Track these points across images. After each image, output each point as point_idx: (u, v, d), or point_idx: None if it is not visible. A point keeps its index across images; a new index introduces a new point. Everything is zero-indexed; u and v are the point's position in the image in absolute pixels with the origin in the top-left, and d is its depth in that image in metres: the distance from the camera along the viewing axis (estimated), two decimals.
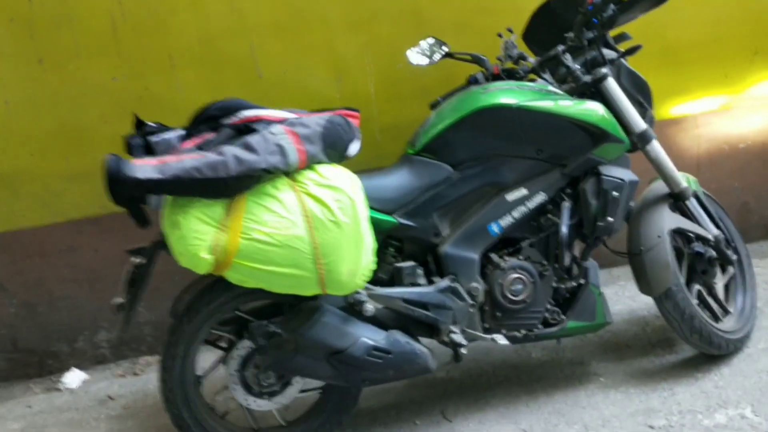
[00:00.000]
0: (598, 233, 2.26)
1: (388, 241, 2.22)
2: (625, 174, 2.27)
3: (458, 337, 2.17)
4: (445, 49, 2.55)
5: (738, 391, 2.27)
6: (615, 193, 2.24)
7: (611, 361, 2.56)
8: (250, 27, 2.84)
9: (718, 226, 2.45)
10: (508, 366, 2.62)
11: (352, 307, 2.07)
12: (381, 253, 2.22)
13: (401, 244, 2.24)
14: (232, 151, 1.73)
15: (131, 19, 2.77)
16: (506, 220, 2.23)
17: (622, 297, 2.50)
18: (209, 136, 1.90)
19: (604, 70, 2.29)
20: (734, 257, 2.49)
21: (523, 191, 2.24)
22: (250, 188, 1.76)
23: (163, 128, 1.99)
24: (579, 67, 2.32)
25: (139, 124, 2.01)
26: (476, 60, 2.52)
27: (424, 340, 2.21)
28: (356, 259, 1.85)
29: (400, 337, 2.12)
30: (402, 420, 2.41)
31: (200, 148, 1.84)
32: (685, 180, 2.45)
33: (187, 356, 2.14)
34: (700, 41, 3.11)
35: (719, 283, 2.56)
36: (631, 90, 2.37)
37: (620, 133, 2.23)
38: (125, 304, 2.05)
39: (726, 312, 2.54)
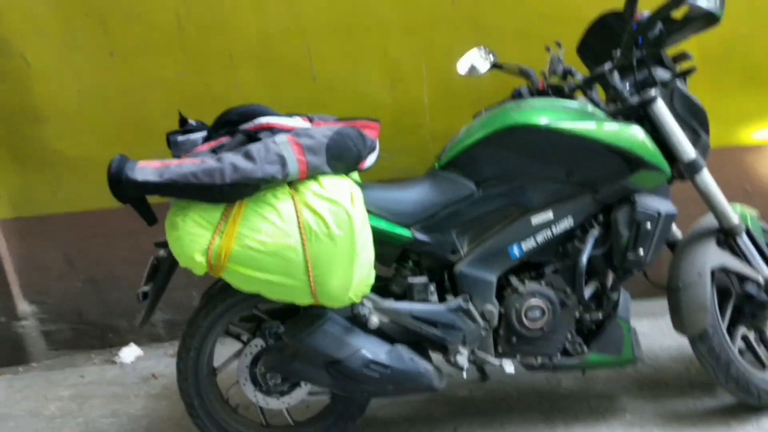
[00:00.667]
0: (627, 265, 2.13)
1: (406, 254, 2.20)
2: (663, 205, 2.12)
3: (462, 359, 2.12)
4: (492, 59, 2.47)
5: None
6: (648, 225, 2.09)
7: (644, 399, 2.41)
8: (306, 28, 2.88)
9: None
10: (533, 392, 2.53)
11: (357, 318, 2.07)
12: (398, 266, 2.23)
13: (419, 259, 2.21)
14: (230, 158, 1.76)
15: (195, 17, 2.88)
16: (528, 244, 2.14)
17: (672, 331, 2.34)
18: (225, 139, 1.95)
19: (653, 92, 2.14)
20: None
21: (549, 215, 2.14)
22: (247, 196, 1.79)
23: (201, 127, 2.07)
24: (627, 87, 2.19)
25: (183, 122, 2.10)
26: (523, 73, 2.42)
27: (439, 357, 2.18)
28: (348, 273, 1.84)
29: (403, 353, 2.10)
30: None
31: (214, 151, 1.90)
32: (739, 214, 2.27)
33: (202, 349, 2.21)
34: None
35: None
36: (684, 115, 2.21)
37: (660, 161, 2.08)
38: (148, 293, 2.14)
39: None
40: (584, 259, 2.09)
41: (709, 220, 2.29)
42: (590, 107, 2.18)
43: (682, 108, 2.21)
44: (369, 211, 2.06)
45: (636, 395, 2.45)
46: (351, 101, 2.94)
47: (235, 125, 1.99)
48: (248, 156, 1.77)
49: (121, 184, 1.72)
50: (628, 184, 2.10)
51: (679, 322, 2.22)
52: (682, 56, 2.31)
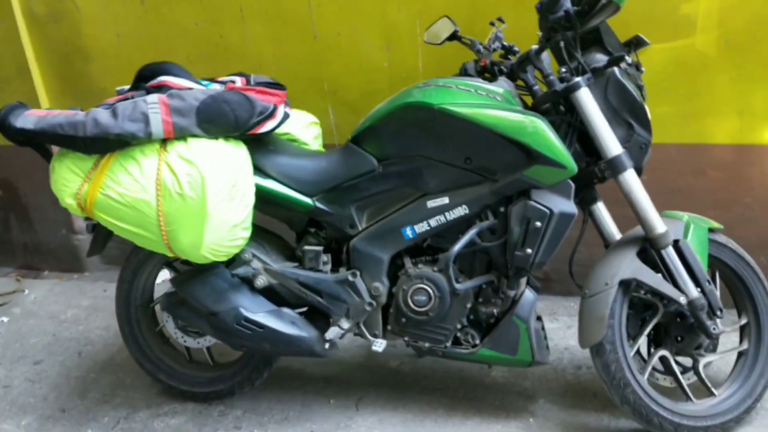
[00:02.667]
0: (516, 263, 2.00)
1: (315, 223, 2.24)
2: (559, 204, 1.94)
3: (334, 331, 2.14)
4: (452, 30, 2.35)
5: None
6: (538, 223, 1.94)
7: (560, 406, 2.28)
8: None
9: (699, 286, 1.98)
10: (457, 377, 2.48)
11: (244, 277, 2.17)
12: (306, 233, 2.27)
13: (324, 229, 2.23)
14: (95, 113, 1.89)
15: None
16: (422, 227, 2.08)
17: None
18: (130, 94, 2.09)
19: (578, 79, 1.95)
20: (716, 330, 2.00)
21: (445, 200, 2.05)
22: (111, 150, 1.92)
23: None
24: (563, 71, 2.01)
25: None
26: (472, 48, 2.30)
27: None
28: (198, 232, 1.91)
29: (284, 316, 2.16)
30: (322, 394, 2.46)
31: (113, 103, 2.04)
32: (684, 224, 2.02)
33: (134, 282, 2.43)
34: None
35: (713, 357, 2.10)
36: (619, 108, 1.99)
37: (560, 156, 1.90)
38: (96, 226, 2.36)
39: (710, 393, 2.09)
40: (456, 247, 2.01)
41: (639, 228, 2.06)
42: (499, 90, 2.02)
43: (618, 100, 1.99)
44: (272, 177, 2.13)
45: (555, 401, 2.31)
46: (349, 61, 2.95)
47: (146, 81, 2.12)
48: (114, 112, 1.89)
49: (3, 128, 1.93)
50: (525, 178, 1.95)
51: (579, 331, 2.06)
52: (637, 42, 2.07)
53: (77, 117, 1.90)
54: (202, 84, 2.15)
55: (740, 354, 2.15)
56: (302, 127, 2.42)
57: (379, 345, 2.16)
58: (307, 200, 2.15)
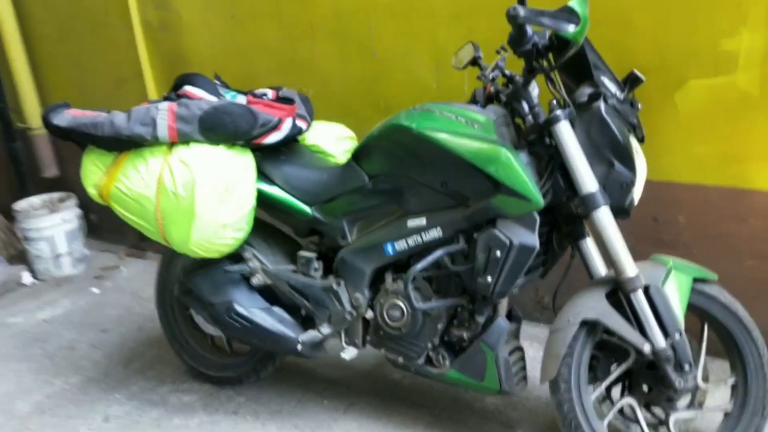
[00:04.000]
0: (478, 289, 2.01)
1: (314, 231, 2.38)
2: (519, 236, 1.92)
3: (311, 334, 2.27)
4: (471, 56, 2.38)
5: None
6: (498, 253, 1.94)
7: None
8: (370, 8, 3.04)
9: (668, 336, 1.88)
10: (452, 398, 2.50)
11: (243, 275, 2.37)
12: (309, 239, 2.42)
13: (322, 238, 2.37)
14: (113, 116, 2.15)
15: None
16: (401, 245, 2.14)
17: None
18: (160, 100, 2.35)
19: (558, 112, 1.94)
20: (681, 385, 1.89)
21: (422, 221, 2.10)
22: (126, 149, 2.17)
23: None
24: (553, 103, 2.00)
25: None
26: (481, 75, 2.32)
27: None
28: (186, 229, 2.11)
29: (274, 315, 2.33)
30: (320, 395, 2.59)
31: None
32: (665, 268, 1.94)
33: (170, 267, 2.70)
34: None
35: (688, 414, 1.99)
36: (601, 144, 1.94)
37: (523, 187, 1.89)
38: None
39: None
40: (417, 267, 2.06)
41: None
42: (499, 119, 2.05)
43: (600, 137, 1.95)
44: (277, 185, 2.31)
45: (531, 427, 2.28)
46: (402, 80, 3.05)
47: (177, 89, 2.38)
48: (129, 116, 2.15)
49: (45, 124, 2.25)
50: (491, 206, 1.96)
51: (541, 365, 2.03)
52: (633, 79, 2.02)
53: (99, 118, 2.18)
54: (226, 96, 2.37)
55: (727, 414, 2.01)
56: (332, 140, 2.55)
57: (348, 353, 2.26)
58: (307, 209, 2.30)
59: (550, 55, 1.92)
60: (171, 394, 2.68)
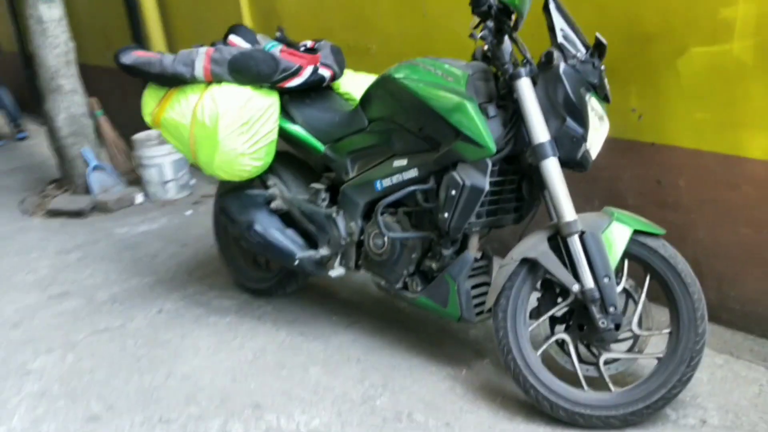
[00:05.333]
0: (439, 224, 2.27)
1: (328, 167, 2.73)
2: (472, 178, 2.15)
3: (308, 253, 2.64)
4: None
5: None
6: (453, 192, 2.19)
7: (500, 369, 2.47)
8: None
9: (596, 280, 2.06)
10: (441, 327, 2.77)
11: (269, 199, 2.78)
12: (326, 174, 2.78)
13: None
14: (163, 57, 2.59)
15: None
16: (387, 182, 2.44)
17: None
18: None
19: (520, 69, 2.14)
20: (604, 325, 2.06)
21: (404, 162, 2.39)
22: (173, 84, 2.61)
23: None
24: (524, 62, 2.21)
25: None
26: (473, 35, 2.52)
27: None
28: (211, 154, 2.52)
29: (285, 234, 2.73)
30: (333, 313, 2.96)
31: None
32: (610, 218, 2.11)
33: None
34: None
35: (619, 355, 2.16)
36: (557, 102, 2.12)
37: (478, 135, 2.12)
38: None
39: (607, 388, 2.15)
40: (385, 201, 2.35)
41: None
42: (477, 74, 2.28)
43: (556, 94, 2.13)
44: (299, 123, 2.68)
45: (499, 364, 2.51)
46: (449, 38, 3.27)
47: (225, 38, 2.79)
48: (175, 57, 2.59)
49: (117, 63, 2.75)
50: (453, 151, 2.21)
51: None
52: (598, 43, 2.17)
53: (153, 58, 2.64)
54: (266, 46, 2.74)
55: (659, 360, 2.15)
56: (364, 89, 2.88)
57: (336, 272, 2.61)
58: (320, 146, 2.65)
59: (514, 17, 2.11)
60: (215, 298, 3.17)
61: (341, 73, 2.80)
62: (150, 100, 2.73)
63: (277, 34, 2.91)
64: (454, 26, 3.22)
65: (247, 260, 3.19)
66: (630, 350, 2.19)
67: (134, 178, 4.90)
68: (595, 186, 2.86)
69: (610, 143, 2.73)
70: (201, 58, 2.56)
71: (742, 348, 2.46)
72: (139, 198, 4.67)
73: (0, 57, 9.21)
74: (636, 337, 2.20)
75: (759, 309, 2.52)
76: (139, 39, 5.29)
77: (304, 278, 3.04)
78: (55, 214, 4.55)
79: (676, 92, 2.56)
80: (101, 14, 6.26)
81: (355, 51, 3.61)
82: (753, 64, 2.36)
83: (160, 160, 4.58)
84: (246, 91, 2.56)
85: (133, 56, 2.72)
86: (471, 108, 2.15)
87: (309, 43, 2.83)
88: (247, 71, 2.54)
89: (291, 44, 2.79)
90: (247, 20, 4.40)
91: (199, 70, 2.55)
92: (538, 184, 2.28)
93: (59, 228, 4.35)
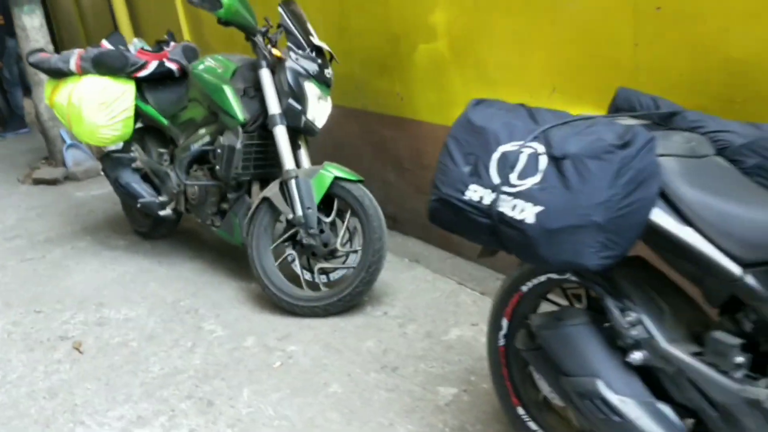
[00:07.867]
0: (217, 174, 3.21)
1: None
2: (230, 140, 3.07)
3: (153, 199, 3.60)
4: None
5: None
6: (218, 151, 3.12)
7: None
8: None
9: (303, 211, 2.94)
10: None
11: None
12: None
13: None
14: (53, 57, 3.59)
15: None
16: (195, 146, 3.38)
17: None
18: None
19: (262, 61, 3.04)
20: (305, 241, 2.94)
21: (203, 130, 3.33)
22: (59, 77, 3.60)
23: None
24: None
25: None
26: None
27: None
28: (80, 126, 3.50)
29: (140, 186, 3.71)
30: None
31: None
32: (316, 169, 2.98)
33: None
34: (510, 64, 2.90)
35: (327, 265, 3.04)
36: (287, 86, 3.00)
37: (231, 110, 3.05)
38: None
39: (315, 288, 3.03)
40: (181, 156, 3.29)
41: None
42: (244, 65, 3.19)
43: (280, 80, 3.01)
44: (150, 104, 3.64)
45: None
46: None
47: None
48: (59, 57, 3.58)
49: (26, 61, 3.77)
50: (221, 121, 3.14)
51: None
52: (319, 47, 3.04)
53: (47, 57, 3.64)
54: (132, 49, 3.72)
55: (353, 269, 3.01)
56: None
57: (164, 212, 3.58)
58: (164, 120, 3.61)
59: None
60: (114, 239, 4.19)
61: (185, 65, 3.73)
62: (48, 88, 3.75)
63: (165, 36, 3.88)
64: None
65: (137, 210, 4.18)
66: (336, 261, 3.07)
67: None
68: (380, 152, 3.72)
69: (384, 119, 3.64)
70: (74, 57, 3.55)
71: (430, 259, 3.41)
72: None
73: None
74: (347, 254, 3.06)
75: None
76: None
77: (171, 224, 4.00)
78: (38, 182, 5.68)
79: (417, 79, 3.40)
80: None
81: None
82: (449, 58, 3.18)
83: None
84: (104, 80, 3.54)
85: (38, 56, 3.74)
86: (227, 90, 3.08)
87: (172, 44, 3.79)
88: (104, 65, 3.51)
89: (152, 48, 3.75)
90: (184, 25, 5.40)
91: (73, 66, 3.55)
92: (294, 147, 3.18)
93: (37, 192, 5.48)
